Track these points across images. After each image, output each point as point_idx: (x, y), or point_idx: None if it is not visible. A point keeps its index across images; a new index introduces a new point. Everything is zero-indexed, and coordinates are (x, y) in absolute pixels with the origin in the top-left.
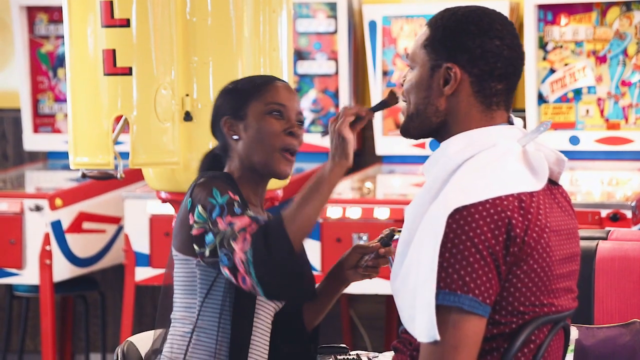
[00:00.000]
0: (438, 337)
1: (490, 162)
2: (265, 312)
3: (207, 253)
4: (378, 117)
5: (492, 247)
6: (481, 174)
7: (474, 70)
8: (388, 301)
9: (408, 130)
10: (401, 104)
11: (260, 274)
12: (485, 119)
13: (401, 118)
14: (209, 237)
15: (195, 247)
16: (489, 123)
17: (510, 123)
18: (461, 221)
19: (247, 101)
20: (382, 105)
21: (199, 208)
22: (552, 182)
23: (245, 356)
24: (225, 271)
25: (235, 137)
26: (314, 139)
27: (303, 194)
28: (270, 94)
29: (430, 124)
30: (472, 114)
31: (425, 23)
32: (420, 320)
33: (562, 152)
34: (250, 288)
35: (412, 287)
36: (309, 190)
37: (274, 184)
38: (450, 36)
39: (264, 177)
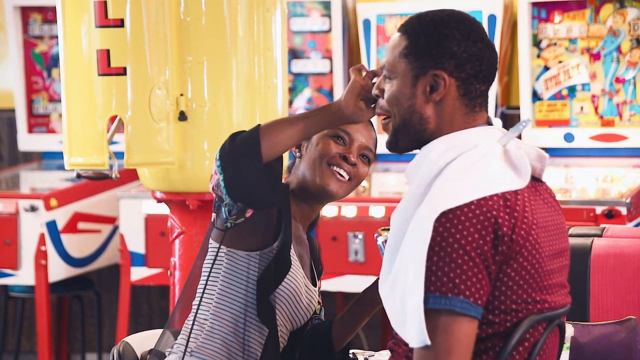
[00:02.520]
0: (428, 342)
1: (472, 164)
2: (281, 322)
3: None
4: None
5: (480, 247)
6: (464, 175)
7: (461, 74)
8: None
9: (396, 143)
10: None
11: (224, 164)
12: (467, 122)
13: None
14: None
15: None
16: (471, 125)
17: (489, 124)
18: (447, 224)
19: None
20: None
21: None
22: (536, 179)
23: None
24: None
25: (298, 154)
26: None
27: (291, 117)
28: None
29: (415, 132)
30: (457, 118)
31: (397, 31)
32: (410, 325)
33: (556, 149)
34: (217, 185)
35: (401, 292)
36: (298, 115)
37: None
38: (435, 44)
39: (316, 197)
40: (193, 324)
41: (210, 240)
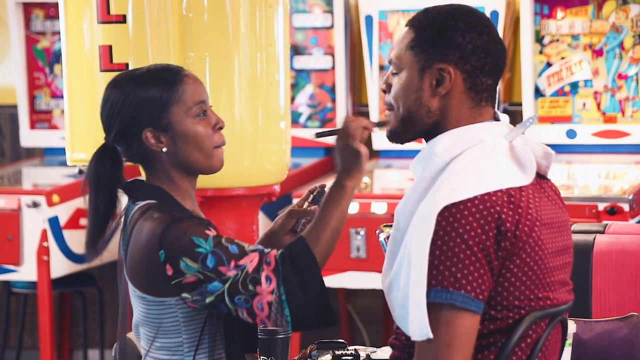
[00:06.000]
0: (431, 335)
1: (477, 159)
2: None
3: (209, 300)
4: (374, 111)
5: (483, 242)
6: (469, 170)
7: (466, 66)
8: None
9: (398, 134)
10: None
11: (295, 310)
12: (474, 116)
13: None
14: (214, 285)
15: (186, 294)
16: (477, 120)
17: (496, 119)
18: (450, 218)
19: (166, 108)
20: (383, 124)
21: (186, 261)
22: (541, 176)
23: None
24: (244, 313)
25: (164, 149)
26: (311, 134)
27: (322, 212)
28: (186, 94)
29: (422, 125)
30: (463, 112)
31: (405, 25)
32: (413, 318)
33: (559, 145)
34: (274, 325)
35: (403, 286)
36: (328, 206)
37: (271, 179)
38: (440, 35)
39: (194, 175)
40: None
41: (143, 294)
